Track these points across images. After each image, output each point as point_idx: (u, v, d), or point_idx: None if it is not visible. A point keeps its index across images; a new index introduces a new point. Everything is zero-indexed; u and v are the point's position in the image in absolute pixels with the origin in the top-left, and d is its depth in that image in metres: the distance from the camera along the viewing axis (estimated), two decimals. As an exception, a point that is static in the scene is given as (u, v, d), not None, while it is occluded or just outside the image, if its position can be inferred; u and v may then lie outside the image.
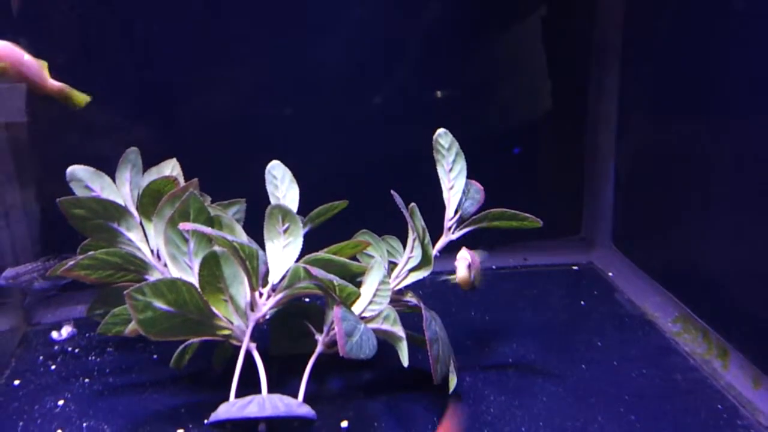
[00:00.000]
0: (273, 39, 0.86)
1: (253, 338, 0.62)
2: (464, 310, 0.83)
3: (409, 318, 0.65)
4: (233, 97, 0.88)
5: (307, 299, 0.74)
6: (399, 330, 0.61)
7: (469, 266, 0.64)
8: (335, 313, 0.58)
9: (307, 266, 0.60)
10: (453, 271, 0.66)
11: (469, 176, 0.70)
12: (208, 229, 0.60)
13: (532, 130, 0.95)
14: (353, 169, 0.90)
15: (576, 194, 0.99)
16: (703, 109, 0.75)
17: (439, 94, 0.92)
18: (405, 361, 0.60)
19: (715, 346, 0.71)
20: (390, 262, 0.71)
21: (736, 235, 0.71)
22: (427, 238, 0.65)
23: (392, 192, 0.63)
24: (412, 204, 0.63)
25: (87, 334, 0.77)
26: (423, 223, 0.64)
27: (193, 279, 0.62)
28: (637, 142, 0.91)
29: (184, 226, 0.60)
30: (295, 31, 0.86)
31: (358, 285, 0.63)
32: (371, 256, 0.71)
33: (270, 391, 0.60)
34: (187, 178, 0.71)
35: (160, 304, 0.57)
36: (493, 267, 0.95)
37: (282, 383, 0.63)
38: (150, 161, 0.74)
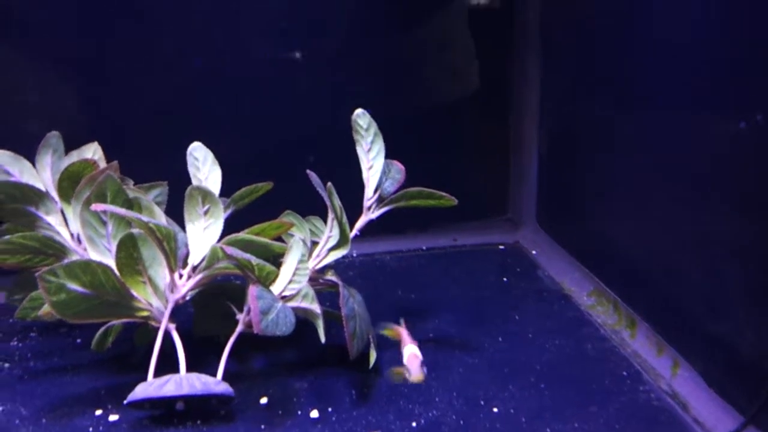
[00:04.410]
0: (196, 22, 0.86)
1: (176, 319, 0.63)
2: (392, 289, 0.84)
3: (333, 296, 0.66)
4: (158, 81, 0.88)
5: (237, 281, 0.75)
6: (316, 307, 0.62)
7: (422, 364, 0.61)
8: (251, 291, 0.58)
9: (224, 246, 0.61)
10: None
11: (395, 159, 0.71)
12: (121, 210, 0.60)
13: (458, 114, 0.97)
14: (279, 151, 0.91)
15: (503, 176, 1.02)
16: (615, 99, 0.78)
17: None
18: (322, 338, 0.61)
19: (624, 317, 0.75)
20: (313, 242, 0.72)
21: (644, 216, 0.74)
22: (344, 217, 0.66)
23: (308, 172, 0.64)
24: (329, 183, 0.64)
25: (9, 320, 0.76)
26: (340, 202, 0.65)
27: (112, 261, 0.62)
28: (558, 128, 0.94)
29: (96, 207, 0.60)
30: (216, 14, 0.86)
31: (280, 265, 0.64)
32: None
33: (191, 370, 0.60)
34: (110, 162, 0.71)
35: (74, 286, 0.57)
36: (424, 248, 0.97)
37: (203, 362, 0.63)
38: (74, 145, 0.73)
